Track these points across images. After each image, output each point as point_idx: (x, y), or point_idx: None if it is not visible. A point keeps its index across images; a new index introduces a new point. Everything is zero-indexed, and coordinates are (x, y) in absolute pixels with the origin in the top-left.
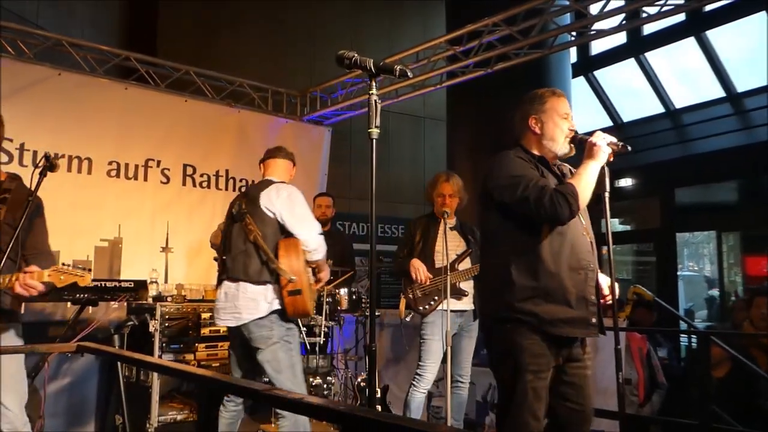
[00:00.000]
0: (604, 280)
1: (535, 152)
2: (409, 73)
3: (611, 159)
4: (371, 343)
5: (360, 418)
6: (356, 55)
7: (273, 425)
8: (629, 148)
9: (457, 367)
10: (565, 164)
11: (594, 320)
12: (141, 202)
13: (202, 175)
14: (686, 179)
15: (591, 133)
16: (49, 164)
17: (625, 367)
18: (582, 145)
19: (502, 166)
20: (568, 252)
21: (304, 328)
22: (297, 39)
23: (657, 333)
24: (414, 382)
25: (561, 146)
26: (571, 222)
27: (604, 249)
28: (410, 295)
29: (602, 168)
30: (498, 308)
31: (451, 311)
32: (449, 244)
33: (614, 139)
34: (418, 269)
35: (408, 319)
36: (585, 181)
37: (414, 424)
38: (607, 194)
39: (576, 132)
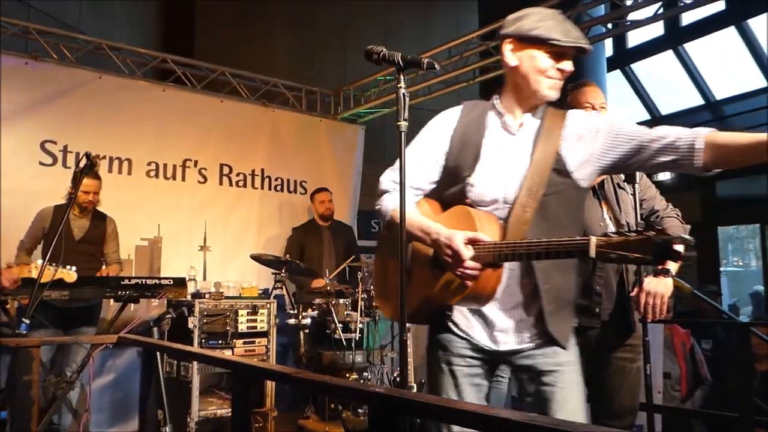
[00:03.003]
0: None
1: None
2: (436, 66)
3: None
4: (402, 333)
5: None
6: (384, 49)
7: (309, 420)
8: None
9: None
10: None
11: (598, 310)
12: (179, 202)
13: (238, 175)
14: (727, 172)
15: None
16: (90, 162)
17: (667, 362)
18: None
19: None
20: None
21: (341, 324)
22: (329, 38)
23: (699, 327)
24: None
25: None
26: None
27: None
28: None
29: None
30: None
31: None
32: None
33: None
34: None
35: None
36: None
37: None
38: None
39: None
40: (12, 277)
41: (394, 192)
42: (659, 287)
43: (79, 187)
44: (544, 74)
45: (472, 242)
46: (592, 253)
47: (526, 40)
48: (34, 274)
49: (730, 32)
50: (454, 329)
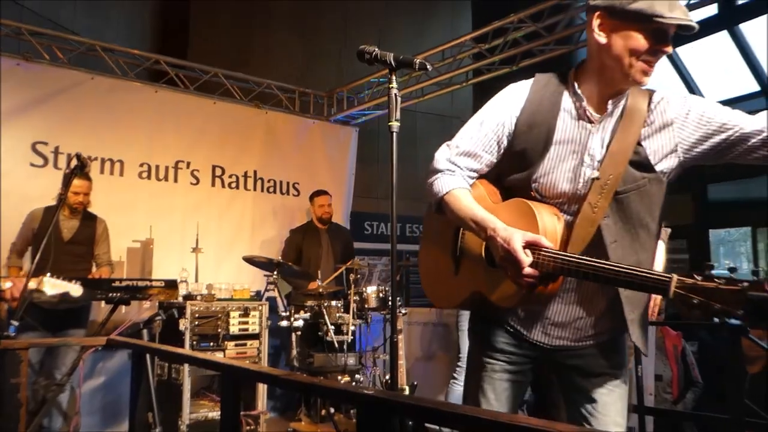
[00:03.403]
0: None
1: None
2: (428, 66)
3: None
4: (393, 335)
5: (374, 399)
6: (376, 49)
7: (301, 422)
8: None
9: None
10: None
11: None
12: (171, 204)
13: (231, 176)
14: (719, 175)
15: None
16: (80, 163)
17: (658, 364)
18: None
19: None
20: None
21: (332, 326)
22: (323, 40)
23: (690, 329)
24: (455, 375)
25: None
26: None
27: None
28: None
29: None
30: None
31: None
32: None
33: None
34: None
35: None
36: None
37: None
38: None
39: None
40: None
41: (456, 175)
42: None
43: (69, 188)
44: (640, 57)
45: (531, 245)
46: (670, 293)
47: (623, 16)
48: (48, 290)
49: (723, 36)
50: (501, 320)
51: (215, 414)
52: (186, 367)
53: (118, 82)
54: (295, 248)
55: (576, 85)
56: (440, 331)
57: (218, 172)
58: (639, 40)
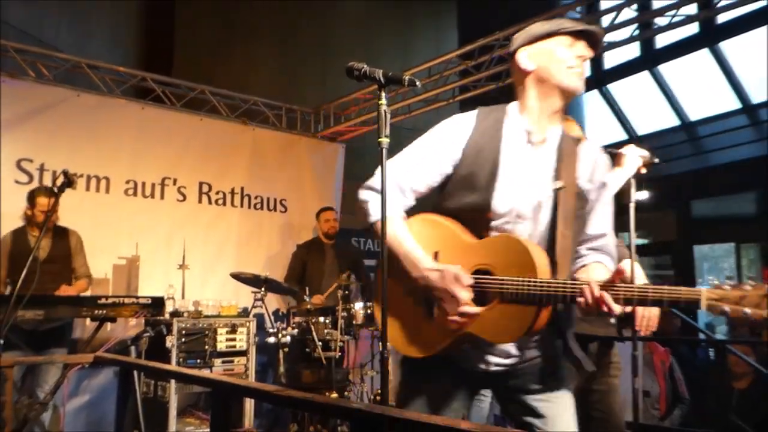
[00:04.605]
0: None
1: None
2: (417, 83)
3: (642, 170)
4: (383, 350)
5: (367, 414)
6: (365, 66)
7: None
8: (657, 160)
9: None
10: None
11: (613, 320)
12: (158, 220)
13: (217, 193)
14: (702, 191)
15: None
16: (67, 180)
17: (646, 380)
18: (613, 158)
19: None
20: None
21: (320, 343)
22: (309, 57)
23: (678, 345)
24: None
25: None
26: None
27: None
28: None
29: (629, 179)
30: None
31: None
32: None
33: (646, 153)
34: None
35: None
36: None
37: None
38: (632, 204)
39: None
40: None
41: (393, 201)
42: None
43: (56, 206)
44: (565, 64)
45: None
46: (703, 306)
47: (539, 39)
48: None
49: (704, 54)
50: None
51: (201, 431)
52: (173, 384)
53: (104, 99)
54: (301, 263)
55: (517, 113)
56: None
57: (205, 188)
58: (558, 51)
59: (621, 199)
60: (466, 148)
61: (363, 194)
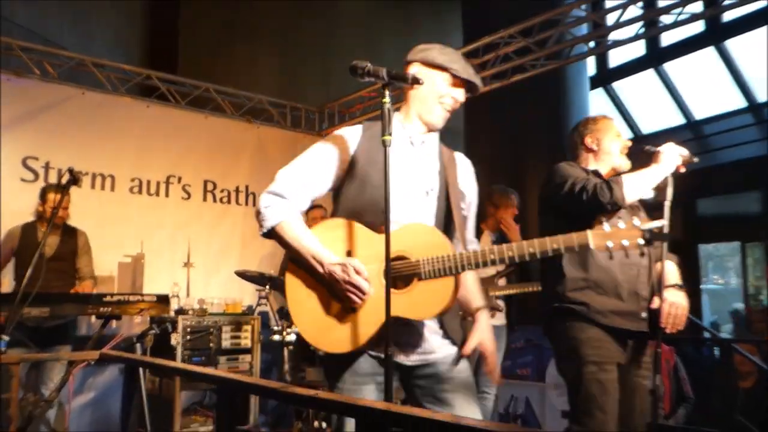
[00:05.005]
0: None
1: (590, 168)
2: (420, 81)
3: (681, 169)
4: (387, 348)
5: (374, 411)
6: (369, 64)
7: None
8: (696, 159)
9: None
10: None
11: (644, 315)
12: (163, 218)
13: (222, 191)
14: (707, 190)
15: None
16: (73, 178)
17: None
18: (650, 156)
19: (555, 172)
20: None
21: None
22: (313, 55)
23: (683, 344)
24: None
25: (617, 158)
26: None
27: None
28: None
29: (666, 177)
30: (551, 301)
31: None
32: None
33: (685, 151)
34: None
35: None
36: (638, 177)
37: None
38: (667, 203)
39: (643, 145)
40: None
41: (280, 204)
42: (682, 300)
43: (61, 204)
44: (441, 98)
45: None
46: (593, 245)
47: (431, 66)
48: None
49: (710, 53)
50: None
51: (206, 429)
52: (178, 382)
53: (109, 97)
54: None
55: (400, 117)
56: None
57: (209, 186)
58: (440, 85)
59: (657, 196)
60: (357, 151)
61: (265, 199)
